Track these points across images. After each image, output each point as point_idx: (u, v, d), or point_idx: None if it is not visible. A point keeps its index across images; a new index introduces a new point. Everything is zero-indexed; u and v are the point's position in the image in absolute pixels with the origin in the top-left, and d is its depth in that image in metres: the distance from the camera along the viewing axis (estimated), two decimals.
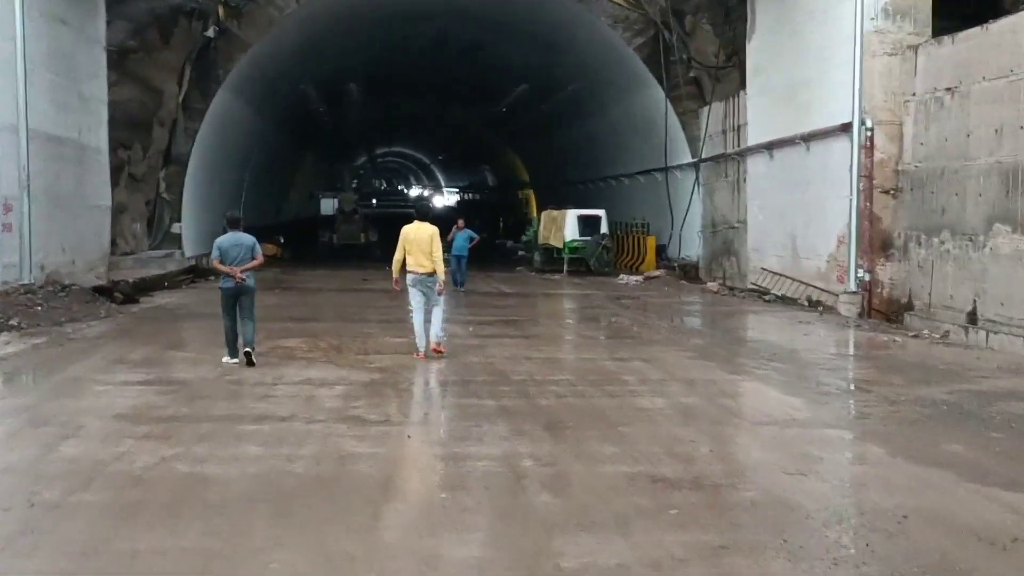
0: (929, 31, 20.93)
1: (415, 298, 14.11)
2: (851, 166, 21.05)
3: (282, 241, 41.87)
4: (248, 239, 13.50)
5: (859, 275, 21.03)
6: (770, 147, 25.54)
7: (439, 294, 14.02)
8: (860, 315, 20.49)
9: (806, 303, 22.52)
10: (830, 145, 22.30)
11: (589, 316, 20.79)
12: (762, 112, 26.35)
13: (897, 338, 17.31)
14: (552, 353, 15.47)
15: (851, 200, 21.06)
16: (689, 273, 30.97)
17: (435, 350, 14.23)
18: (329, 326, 18.11)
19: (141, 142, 29.45)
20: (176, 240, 29.91)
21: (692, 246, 32.14)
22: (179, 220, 30.19)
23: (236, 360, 13.36)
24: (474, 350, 15.34)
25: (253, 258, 13.46)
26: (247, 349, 13.27)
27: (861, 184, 20.90)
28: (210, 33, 29.64)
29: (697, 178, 31.60)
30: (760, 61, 26.64)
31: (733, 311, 22.28)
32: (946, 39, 19.63)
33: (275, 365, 13.66)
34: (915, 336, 17.68)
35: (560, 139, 49.54)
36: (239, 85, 32.82)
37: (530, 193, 62.98)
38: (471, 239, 24.65)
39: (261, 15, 30.67)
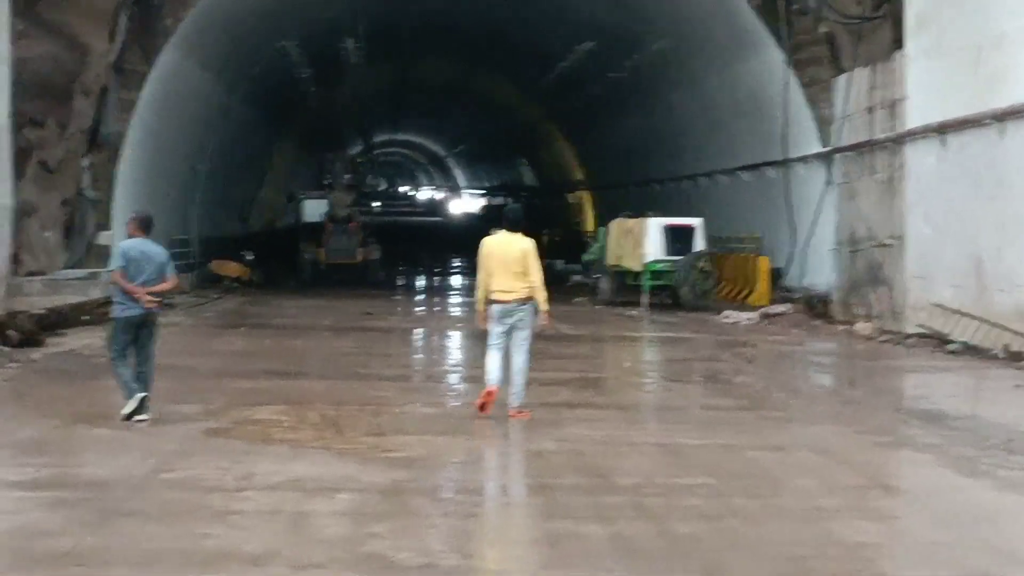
0: None
1: (492, 333, 14.04)
2: None
3: (250, 259, 40.88)
4: (160, 252, 13.66)
5: None
6: (943, 130, 24.15)
7: (540, 329, 14.18)
8: None
9: (1002, 354, 20.92)
10: None
11: (701, 374, 19.27)
12: (930, 81, 25.04)
13: None
14: (667, 435, 13.52)
15: None
16: (816, 308, 29.64)
17: (513, 415, 13.88)
18: (322, 386, 16.57)
19: (57, 118, 28.53)
20: (103, 255, 28.95)
21: (820, 271, 30.90)
22: (108, 228, 29.62)
23: (134, 406, 13.11)
24: (547, 427, 13.51)
25: (164, 279, 13.55)
26: (142, 395, 13.19)
27: None
28: None
29: (829, 175, 30.43)
30: (927, 9, 25.35)
31: (906, 367, 20.62)
32: None
33: (241, 453, 11.78)
34: None
35: (631, 123, 48.88)
36: (193, 41, 32.64)
37: (584, 197, 62.72)
38: None
39: None
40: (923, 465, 12.13)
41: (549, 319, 14.28)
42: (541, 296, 13.95)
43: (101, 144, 29.71)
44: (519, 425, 13.58)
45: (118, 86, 29.92)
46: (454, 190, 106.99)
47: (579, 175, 62.93)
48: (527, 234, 14.33)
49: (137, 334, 13.39)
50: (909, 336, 23.99)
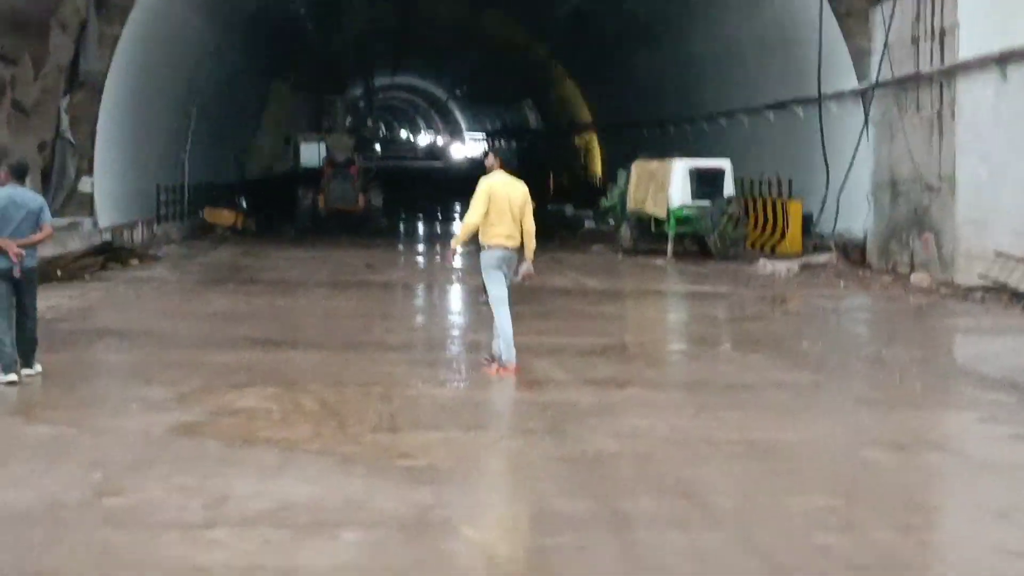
0: None
1: (497, 283, 13.31)
2: None
3: (244, 205, 39.25)
4: (34, 199, 12.86)
5: None
6: (1003, 61, 22.46)
7: (526, 279, 13.73)
8: None
9: None
10: None
11: (758, 339, 16.67)
12: (988, 6, 23.42)
13: None
14: (749, 427, 10.71)
15: None
16: (851, 256, 28.12)
17: (502, 370, 13.08)
18: (319, 359, 14.01)
19: (32, 54, 27.13)
20: (86, 202, 28.12)
21: (855, 216, 29.26)
22: (90, 173, 28.35)
23: (14, 378, 12.13)
24: (599, 416, 10.92)
25: (39, 228, 12.65)
26: (28, 371, 12.41)
27: None
28: None
29: (867, 114, 28.67)
30: None
31: (990, 328, 18.36)
32: None
33: (215, 462, 9.08)
34: None
35: (646, 59, 47.15)
36: None
37: (592, 139, 60.65)
38: None
39: None
40: None
41: (531, 270, 13.68)
42: (533, 244, 13.51)
43: (81, 83, 28.20)
44: (564, 410, 11.01)
45: (100, 20, 28.23)
46: (456, 134, 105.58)
47: (587, 116, 61.11)
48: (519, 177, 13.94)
49: (14, 291, 12.43)
50: (973, 289, 22.12)
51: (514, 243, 13.38)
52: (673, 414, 11.14)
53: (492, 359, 13.23)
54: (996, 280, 21.74)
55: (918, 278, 24.13)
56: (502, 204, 13.32)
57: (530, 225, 13.43)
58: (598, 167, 57.03)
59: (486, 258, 13.39)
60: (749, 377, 13.35)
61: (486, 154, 14.28)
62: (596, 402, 11.56)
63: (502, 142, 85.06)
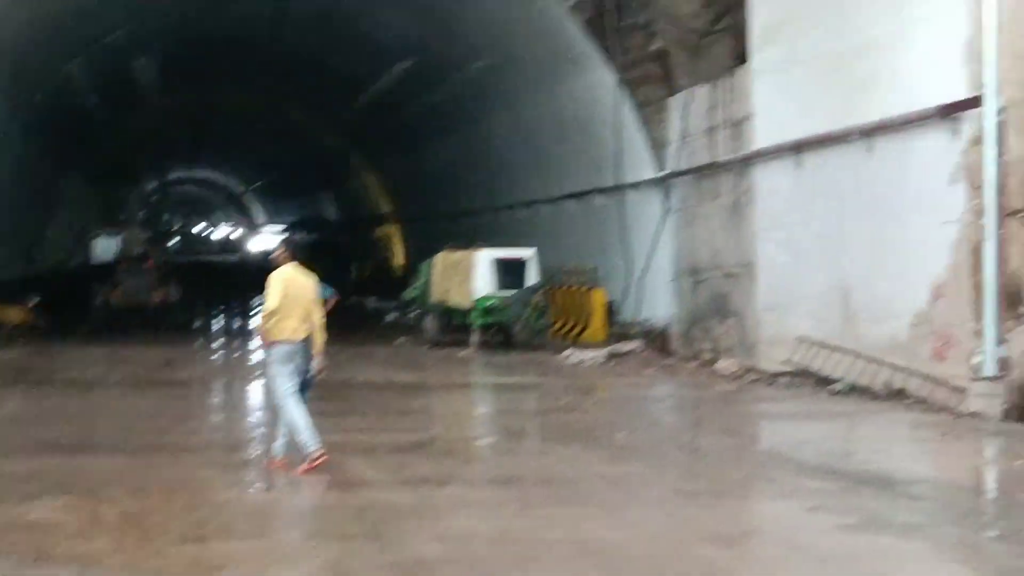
0: None
1: (284, 377, 13.10)
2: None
3: (35, 303, 37.09)
4: None
5: (994, 349, 17.44)
6: (799, 149, 22.81)
7: (319, 372, 13.48)
8: (1008, 414, 16.87)
9: (884, 392, 19.41)
10: (912, 143, 19.47)
11: (573, 431, 16.39)
12: (781, 97, 23.75)
13: None
14: (578, 525, 10.32)
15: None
16: (656, 344, 28.13)
17: (276, 464, 12.89)
18: (118, 464, 13.22)
19: None
20: None
21: (658, 303, 29.40)
22: None
23: None
24: (421, 519, 10.44)
25: None
26: None
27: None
28: None
29: (667, 201, 28.99)
30: (776, 19, 23.96)
31: (801, 413, 18.53)
32: None
33: None
34: None
35: (445, 150, 47.41)
36: None
37: (394, 230, 60.75)
38: (324, 297, 21.55)
39: None
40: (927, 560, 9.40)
41: (323, 364, 13.47)
42: (323, 338, 13.36)
43: None
44: (382, 513, 10.49)
45: None
46: (254, 227, 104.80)
47: (388, 207, 61.23)
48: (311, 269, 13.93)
49: None
50: (779, 374, 22.34)
51: (302, 336, 13.19)
52: (496, 513, 10.69)
53: (279, 459, 12.91)
54: (799, 365, 21.88)
55: (724, 364, 24.13)
56: (293, 297, 13.21)
57: (320, 318, 13.36)
58: (401, 258, 56.79)
59: (274, 353, 13.20)
60: (568, 470, 13.01)
61: (277, 247, 14.13)
62: (415, 502, 11.06)
63: (302, 234, 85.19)
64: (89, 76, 40.52)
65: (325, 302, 21.43)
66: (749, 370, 23.47)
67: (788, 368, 22.31)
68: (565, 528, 10.03)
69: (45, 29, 33.42)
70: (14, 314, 34.66)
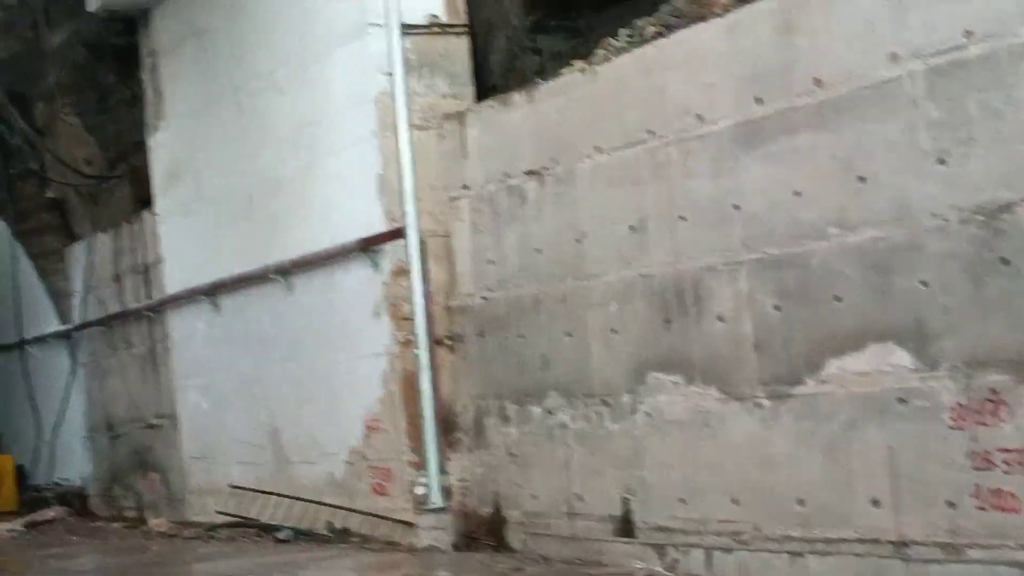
0: (471, 90, 18.40)
1: None
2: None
3: None
4: None
5: (438, 478, 17.42)
6: (214, 292, 22.69)
7: None
8: (458, 544, 16.93)
9: (330, 533, 19.20)
10: (333, 278, 19.63)
11: None
12: (191, 240, 23.71)
13: None
14: None
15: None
16: (77, 507, 27.34)
17: None
18: None
19: None
20: None
21: (73, 463, 28.63)
22: None
23: None
24: None
25: None
26: None
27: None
28: None
29: (75, 356, 28.32)
30: (180, 159, 23.90)
31: (241, 569, 17.64)
32: (517, 98, 16.85)
33: None
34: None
35: None
36: None
37: None
38: None
39: None
40: None
41: None
42: None
43: None
44: None
45: None
46: None
47: None
48: None
49: None
50: (220, 527, 21.74)
51: None
52: None
53: None
54: (236, 514, 21.47)
55: (156, 522, 23.56)
56: None
57: None
58: None
59: None
60: None
61: None
62: None
63: None
64: None
65: None
66: (184, 524, 22.94)
67: (223, 519, 21.81)
68: None
69: None
70: None
